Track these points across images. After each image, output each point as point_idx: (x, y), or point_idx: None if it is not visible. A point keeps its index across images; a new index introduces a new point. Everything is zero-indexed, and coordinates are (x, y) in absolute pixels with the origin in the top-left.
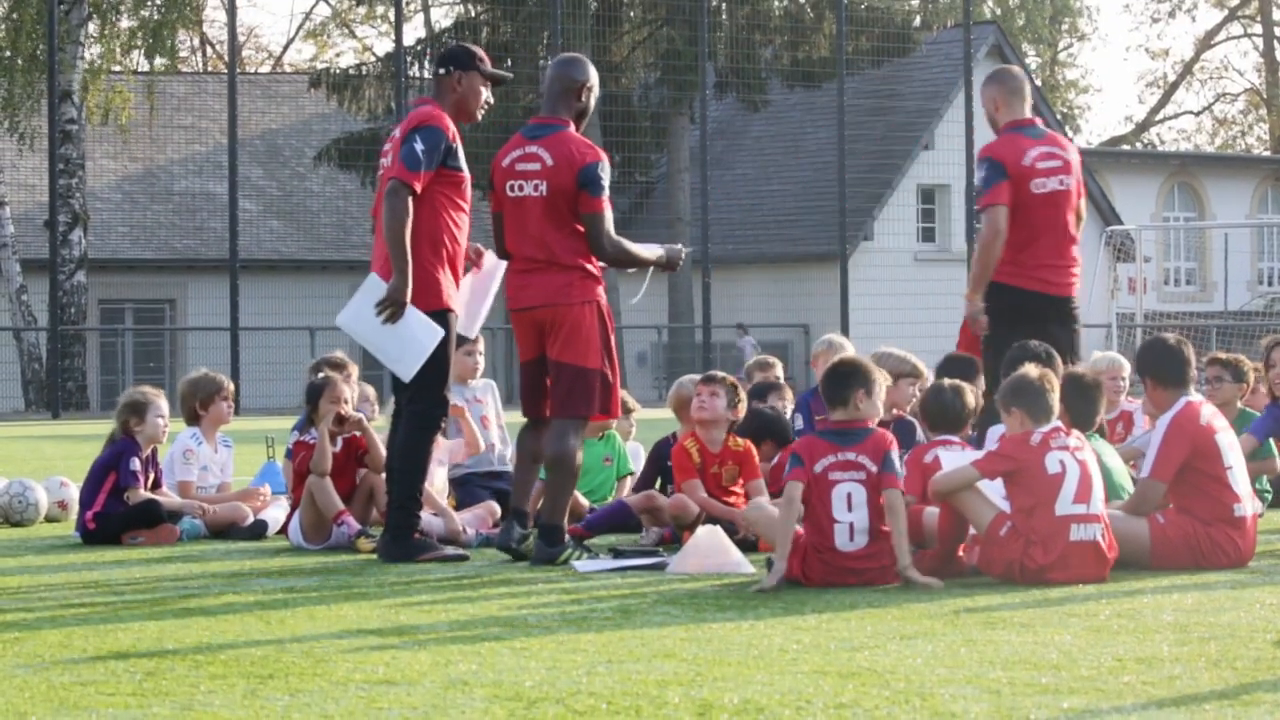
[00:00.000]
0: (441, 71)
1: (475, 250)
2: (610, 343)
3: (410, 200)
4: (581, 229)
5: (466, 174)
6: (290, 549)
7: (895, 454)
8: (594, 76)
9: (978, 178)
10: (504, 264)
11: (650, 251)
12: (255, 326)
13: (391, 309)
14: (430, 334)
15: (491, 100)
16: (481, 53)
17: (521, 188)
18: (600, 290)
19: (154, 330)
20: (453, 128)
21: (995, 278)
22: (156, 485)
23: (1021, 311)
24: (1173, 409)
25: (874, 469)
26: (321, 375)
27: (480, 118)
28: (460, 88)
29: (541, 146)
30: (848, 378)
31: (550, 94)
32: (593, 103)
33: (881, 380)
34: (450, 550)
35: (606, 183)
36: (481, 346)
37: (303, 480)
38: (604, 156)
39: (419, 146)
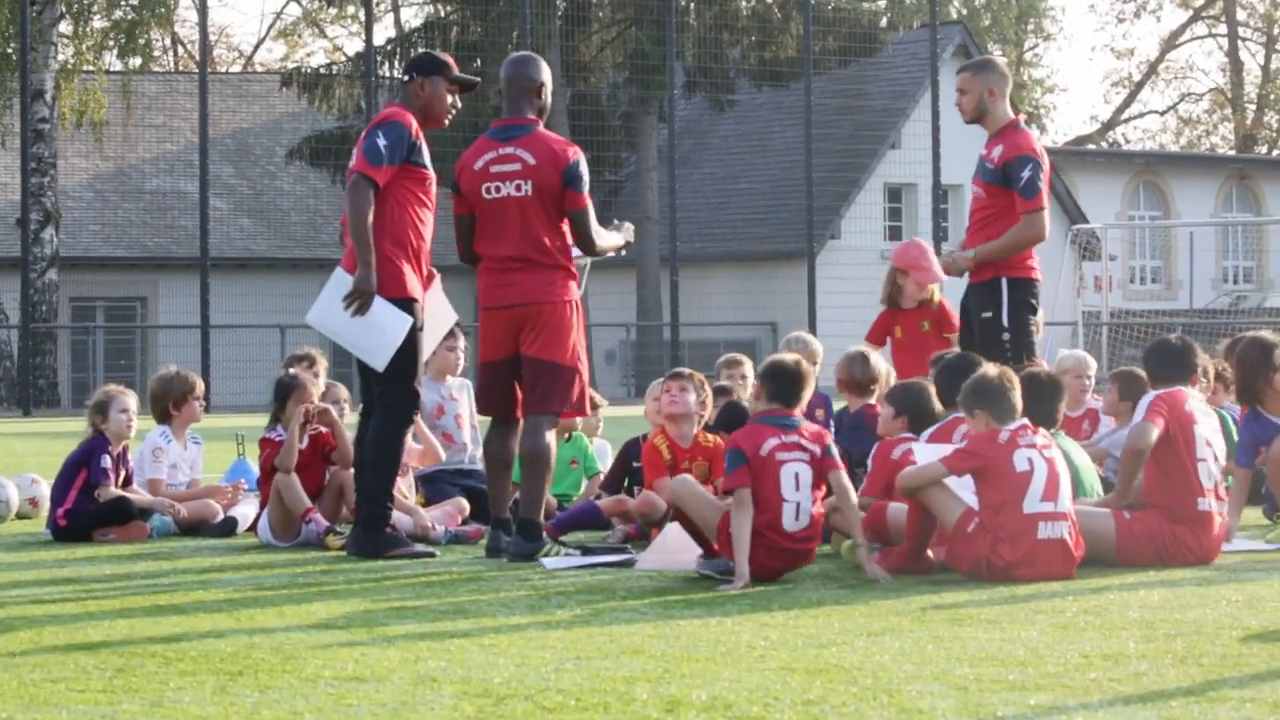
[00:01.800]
0: (406, 78)
1: (429, 271)
2: (583, 341)
3: (372, 193)
4: (561, 227)
5: (432, 173)
6: (260, 546)
7: (833, 443)
8: (547, 74)
9: (1022, 176)
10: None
11: (617, 238)
12: (226, 324)
13: (360, 300)
14: (399, 322)
15: (459, 105)
16: (448, 58)
17: (499, 189)
18: (576, 289)
19: (125, 328)
20: (416, 126)
21: (1024, 274)
22: (128, 483)
23: (1037, 303)
24: (1159, 390)
25: (817, 452)
26: (290, 372)
27: (447, 124)
28: (424, 93)
29: (519, 147)
30: (802, 384)
31: (510, 95)
32: (549, 100)
33: None
34: (419, 547)
35: (587, 177)
36: (463, 343)
37: (270, 477)
38: (581, 152)
39: (381, 141)
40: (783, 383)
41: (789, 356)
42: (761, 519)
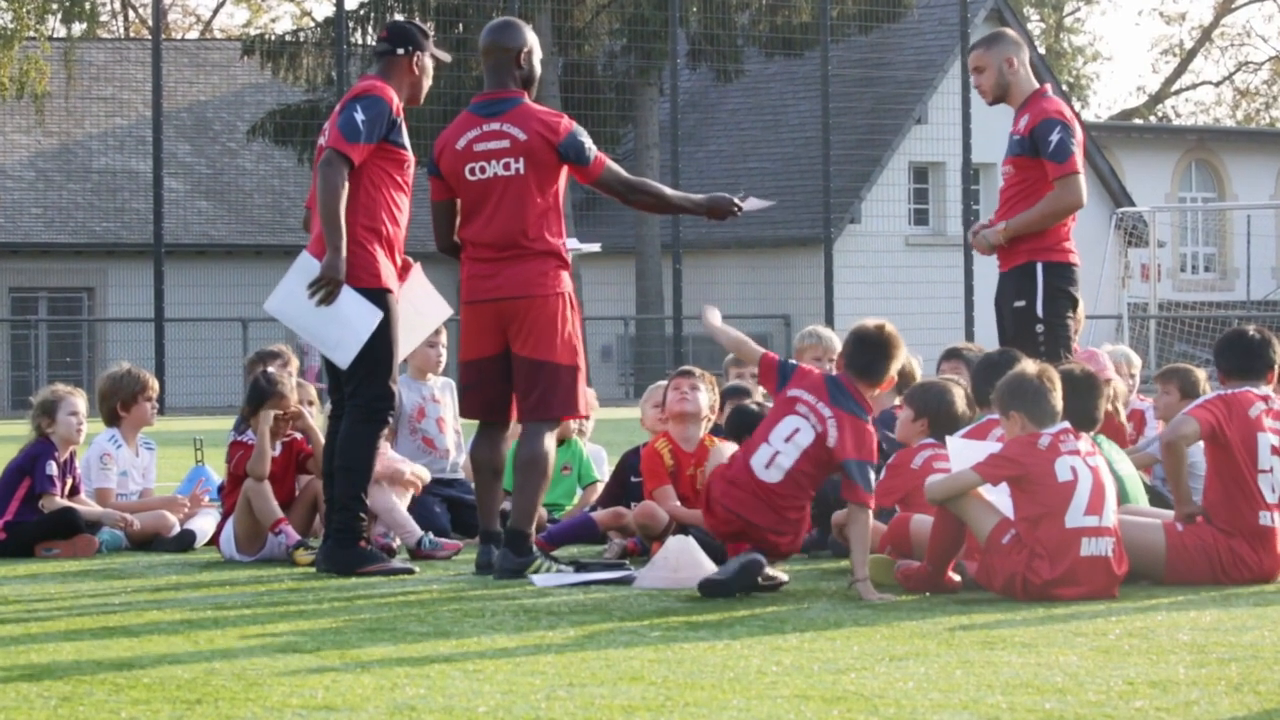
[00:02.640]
0: (400, 51)
1: (404, 260)
2: (580, 337)
3: (346, 171)
4: (554, 212)
5: (410, 154)
6: (220, 562)
7: (864, 467)
8: (531, 39)
9: (1051, 140)
10: (427, 287)
11: (691, 199)
12: (182, 318)
13: (326, 288)
14: (368, 315)
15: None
16: (429, 30)
17: (485, 169)
18: (569, 279)
19: (71, 322)
20: (398, 102)
21: (1061, 257)
22: (75, 492)
23: (1076, 293)
24: (1229, 389)
25: (832, 441)
26: (269, 373)
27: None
28: (417, 70)
29: (506, 123)
30: (884, 351)
31: (489, 67)
32: (537, 68)
33: None
34: (397, 563)
35: (589, 142)
36: (445, 339)
37: (238, 485)
38: (573, 121)
39: (359, 116)
40: (856, 347)
41: (873, 320)
42: (740, 456)
